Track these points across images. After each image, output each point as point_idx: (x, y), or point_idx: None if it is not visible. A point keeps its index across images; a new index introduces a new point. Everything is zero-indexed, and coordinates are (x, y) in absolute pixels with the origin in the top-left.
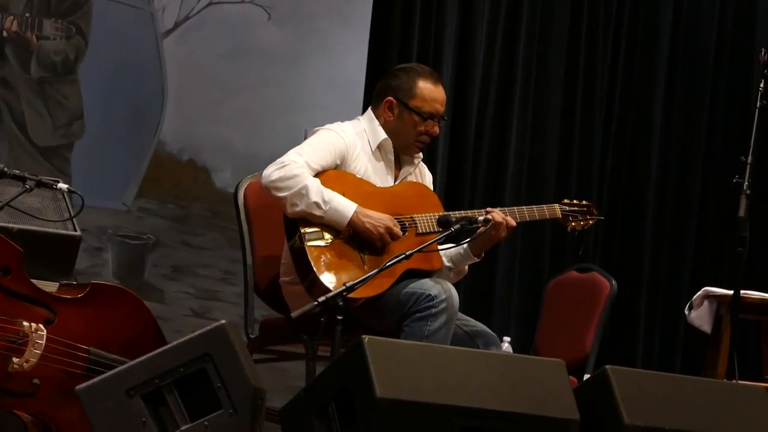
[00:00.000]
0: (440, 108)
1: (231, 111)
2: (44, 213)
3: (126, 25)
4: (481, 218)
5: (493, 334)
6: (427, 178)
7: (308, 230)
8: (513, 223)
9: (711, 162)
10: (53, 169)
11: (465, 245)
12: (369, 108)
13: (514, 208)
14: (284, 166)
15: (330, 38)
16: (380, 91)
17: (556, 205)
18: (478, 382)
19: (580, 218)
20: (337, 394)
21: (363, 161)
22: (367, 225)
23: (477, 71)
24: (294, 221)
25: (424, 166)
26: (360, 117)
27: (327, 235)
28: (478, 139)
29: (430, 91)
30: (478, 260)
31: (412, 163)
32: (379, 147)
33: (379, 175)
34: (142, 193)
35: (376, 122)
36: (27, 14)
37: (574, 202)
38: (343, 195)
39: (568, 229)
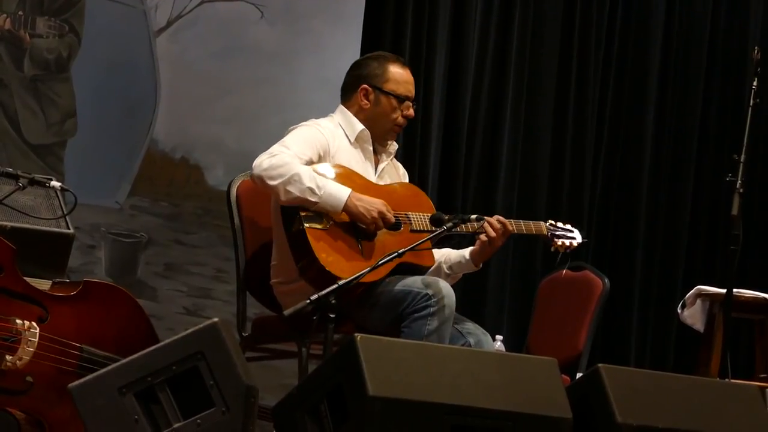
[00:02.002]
0: (413, 90)
1: (224, 109)
2: (37, 211)
3: (119, 24)
4: (473, 216)
5: (486, 332)
6: (401, 172)
7: (308, 213)
8: (509, 228)
9: (704, 160)
10: (46, 167)
11: (467, 253)
12: (339, 105)
13: (503, 219)
14: (274, 155)
15: (322, 37)
16: (352, 82)
17: (543, 224)
18: (470, 380)
19: (566, 240)
20: (329, 393)
21: (344, 154)
22: (361, 209)
23: (469, 71)
24: (293, 207)
25: (398, 162)
26: (332, 114)
27: (325, 219)
28: (470, 140)
29: (401, 74)
30: (476, 269)
31: (387, 153)
32: (358, 138)
33: (360, 166)
34: (134, 191)
35: (350, 114)
36: (20, 12)
37: (559, 225)
38: None
39: (552, 249)
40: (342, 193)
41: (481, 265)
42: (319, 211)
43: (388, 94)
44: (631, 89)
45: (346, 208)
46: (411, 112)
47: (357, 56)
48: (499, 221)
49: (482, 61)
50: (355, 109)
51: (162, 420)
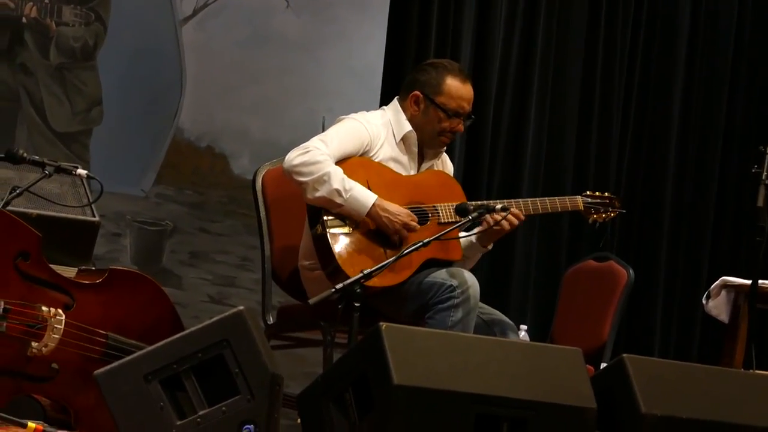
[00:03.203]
0: (466, 106)
1: (249, 98)
2: (63, 198)
3: (145, 12)
4: (499, 206)
5: (510, 322)
6: (449, 168)
7: (331, 217)
8: (521, 216)
9: (730, 151)
10: (72, 155)
11: (474, 236)
12: (395, 99)
13: (537, 199)
14: (308, 151)
15: (348, 26)
16: (408, 85)
17: (579, 197)
18: (495, 369)
19: (602, 211)
20: (354, 381)
21: (386, 151)
22: (384, 219)
23: (495, 59)
24: (318, 208)
25: (447, 157)
26: (386, 107)
27: (349, 222)
28: (495, 128)
29: (457, 88)
30: (486, 251)
31: (435, 156)
32: (404, 139)
33: (402, 166)
34: (160, 180)
35: (402, 114)
36: (46, 0)
37: (597, 194)
38: (367, 182)
39: (590, 221)
40: (368, 199)
41: (491, 246)
42: (342, 214)
43: (437, 106)
44: (657, 80)
45: (370, 215)
46: (460, 127)
47: (382, 46)
48: (517, 216)
49: (508, 48)
50: (407, 112)
51: (187, 407)
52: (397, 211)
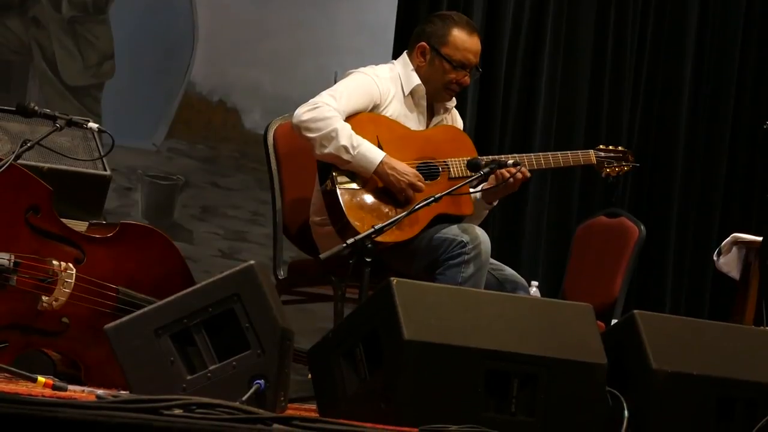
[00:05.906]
0: (473, 58)
1: (262, 53)
2: (74, 152)
3: None
4: (510, 161)
5: (522, 279)
6: (459, 124)
7: (341, 173)
8: (527, 174)
9: (741, 106)
10: (83, 108)
11: (479, 193)
12: (404, 53)
13: (549, 154)
14: (316, 107)
15: None
16: (415, 36)
17: (591, 151)
18: (505, 325)
19: (615, 164)
20: (364, 336)
21: (396, 106)
22: (391, 177)
23: (508, 16)
24: (328, 164)
25: (457, 112)
26: (395, 61)
27: (359, 178)
28: (508, 84)
29: (463, 40)
30: (490, 208)
31: (445, 110)
32: (412, 93)
33: (412, 121)
34: (171, 134)
35: (411, 67)
36: None
37: (610, 147)
38: (377, 137)
39: (603, 175)
40: (375, 157)
41: (496, 203)
42: (351, 171)
43: (442, 57)
44: (669, 36)
45: (377, 173)
46: (466, 80)
47: (395, 1)
48: (523, 174)
49: (521, 5)
50: (415, 63)
51: (197, 361)
52: (405, 170)
